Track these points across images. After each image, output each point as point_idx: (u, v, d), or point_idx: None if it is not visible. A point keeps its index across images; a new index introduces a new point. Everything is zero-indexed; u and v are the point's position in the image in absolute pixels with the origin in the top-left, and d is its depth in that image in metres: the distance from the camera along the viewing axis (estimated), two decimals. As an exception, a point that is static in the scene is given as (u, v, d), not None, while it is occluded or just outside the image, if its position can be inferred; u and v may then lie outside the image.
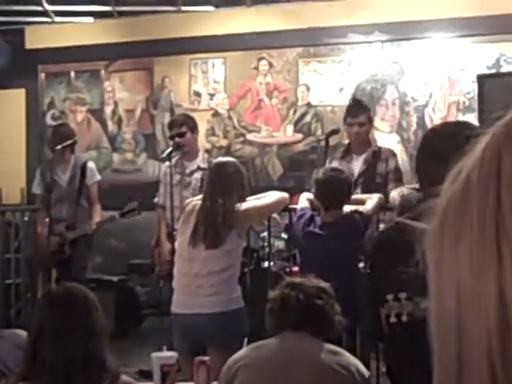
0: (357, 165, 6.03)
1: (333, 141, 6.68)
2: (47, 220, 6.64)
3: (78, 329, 2.64)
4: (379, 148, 6.14)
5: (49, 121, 9.69)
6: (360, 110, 6.26)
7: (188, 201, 4.82)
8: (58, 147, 6.71)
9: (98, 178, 7.04)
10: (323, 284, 3.12)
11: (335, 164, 6.26)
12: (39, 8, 9.01)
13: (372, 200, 4.98)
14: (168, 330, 5.09)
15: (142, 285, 8.50)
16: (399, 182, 5.83)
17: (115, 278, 8.14)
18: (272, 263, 6.30)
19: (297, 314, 3.01)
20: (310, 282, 3.11)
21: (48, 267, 6.72)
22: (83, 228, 6.75)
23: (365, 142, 6.09)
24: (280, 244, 7.20)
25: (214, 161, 5.02)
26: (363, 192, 5.73)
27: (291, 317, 3.02)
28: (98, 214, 6.85)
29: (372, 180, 5.91)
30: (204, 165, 6.23)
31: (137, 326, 8.02)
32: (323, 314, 3.04)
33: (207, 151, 7.86)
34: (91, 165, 7.05)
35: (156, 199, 6.51)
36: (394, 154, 6.12)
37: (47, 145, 7.11)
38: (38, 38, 9.53)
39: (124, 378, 2.74)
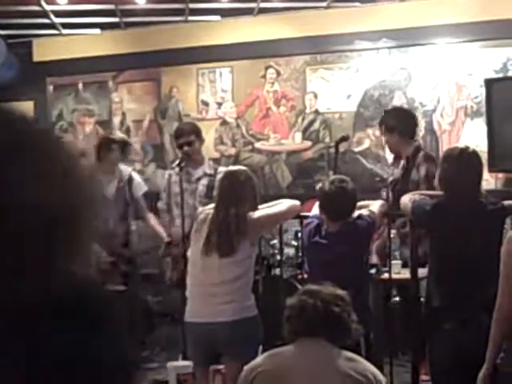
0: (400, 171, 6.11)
1: (342, 147, 6.70)
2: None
3: None
4: (414, 154, 6.01)
5: (57, 133, 9.72)
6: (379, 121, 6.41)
7: (200, 209, 4.84)
8: None
9: (146, 188, 6.84)
10: (340, 292, 3.12)
11: (390, 169, 6.31)
12: (47, 21, 9.04)
13: (374, 206, 4.96)
14: (180, 339, 5.10)
15: (153, 294, 8.51)
16: (431, 189, 5.61)
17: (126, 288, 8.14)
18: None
19: (314, 321, 3.01)
20: (327, 289, 3.11)
21: None
22: (137, 244, 6.70)
23: (397, 150, 6.16)
24: (290, 251, 7.21)
25: (225, 169, 5.03)
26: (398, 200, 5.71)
27: (308, 323, 3.02)
28: (160, 226, 6.59)
29: (406, 188, 5.83)
30: (210, 171, 6.25)
31: (148, 335, 8.01)
32: (340, 321, 3.05)
33: (216, 160, 7.87)
34: (136, 176, 6.89)
35: (159, 204, 6.50)
36: (426, 160, 5.93)
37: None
38: (46, 50, 9.56)
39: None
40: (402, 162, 6.10)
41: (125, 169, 6.85)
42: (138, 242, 6.82)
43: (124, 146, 6.78)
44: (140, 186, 6.78)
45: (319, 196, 4.74)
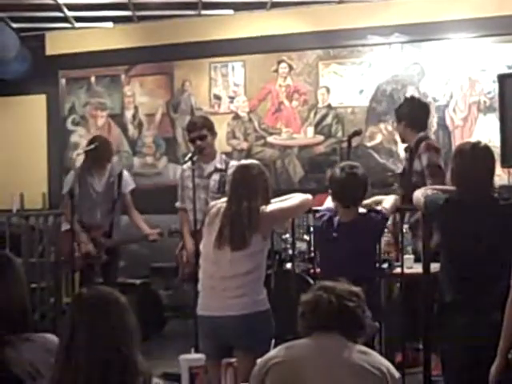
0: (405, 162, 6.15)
1: (354, 142, 6.71)
2: (77, 224, 6.65)
3: (110, 331, 2.65)
4: (417, 144, 6.00)
5: (69, 126, 9.74)
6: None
7: (212, 203, 4.82)
8: (81, 151, 6.72)
9: (133, 185, 7.13)
10: (355, 288, 3.12)
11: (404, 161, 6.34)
12: (60, 14, 9.06)
13: (387, 201, 4.95)
14: (191, 333, 5.10)
15: (164, 288, 8.54)
16: (434, 177, 5.65)
17: (138, 281, 8.18)
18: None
19: (328, 315, 3.02)
20: (341, 285, 3.11)
21: (75, 270, 6.80)
22: (120, 235, 6.97)
23: (404, 139, 6.20)
24: (302, 246, 7.21)
25: (238, 163, 5.03)
26: (403, 191, 5.71)
27: (322, 318, 3.02)
28: (144, 223, 6.98)
29: (409, 179, 5.86)
30: (221, 166, 6.25)
31: (160, 328, 8.04)
32: (354, 317, 3.05)
33: (228, 154, 7.87)
34: (126, 173, 7.16)
35: (177, 203, 6.52)
36: (427, 149, 5.91)
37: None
38: (59, 43, 9.59)
39: (156, 380, 2.75)
40: (405, 154, 6.16)
41: (116, 165, 7.24)
42: (122, 234, 7.10)
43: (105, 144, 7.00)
44: (129, 183, 7.09)
45: (330, 184, 4.74)
